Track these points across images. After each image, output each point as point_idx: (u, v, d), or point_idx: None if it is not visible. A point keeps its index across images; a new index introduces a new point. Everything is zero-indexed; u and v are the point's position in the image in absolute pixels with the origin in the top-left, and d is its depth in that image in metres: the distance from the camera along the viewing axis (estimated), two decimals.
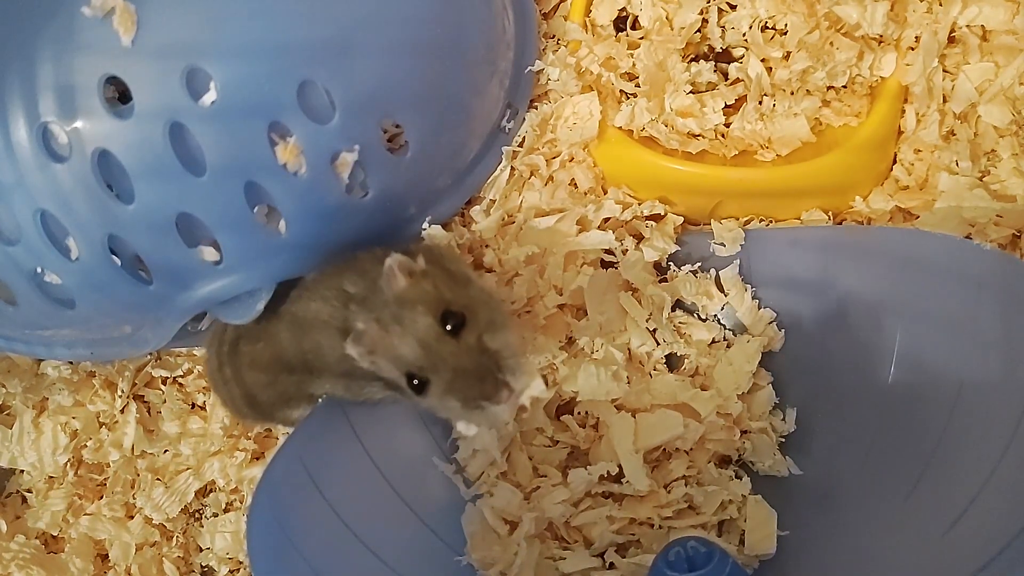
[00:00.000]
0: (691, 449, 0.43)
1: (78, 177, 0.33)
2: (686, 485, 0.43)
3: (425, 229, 0.41)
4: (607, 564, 0.42)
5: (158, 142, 0.33)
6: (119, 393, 0.46)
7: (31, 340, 0.42)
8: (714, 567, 0.35)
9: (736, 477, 0.43)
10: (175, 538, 0.49)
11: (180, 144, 0.34)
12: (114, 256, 0.36)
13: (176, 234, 0.35)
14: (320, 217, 0.37)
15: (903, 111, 0.45)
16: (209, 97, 0.34)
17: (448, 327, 0.31)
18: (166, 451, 0.48)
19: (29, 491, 0.49)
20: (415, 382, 0.32)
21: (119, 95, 0.36)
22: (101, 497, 0.48)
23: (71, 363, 0.47)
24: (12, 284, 0.36)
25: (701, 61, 0.48)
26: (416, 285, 0.32)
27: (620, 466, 0.43)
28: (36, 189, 0.34)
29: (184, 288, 0.37)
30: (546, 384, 0.45)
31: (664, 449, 0.43)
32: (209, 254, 0.37)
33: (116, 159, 0.33)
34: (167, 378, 0.47)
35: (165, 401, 0.47)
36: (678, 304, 0.46)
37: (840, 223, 0.46)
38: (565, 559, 0.42)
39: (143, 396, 0.47)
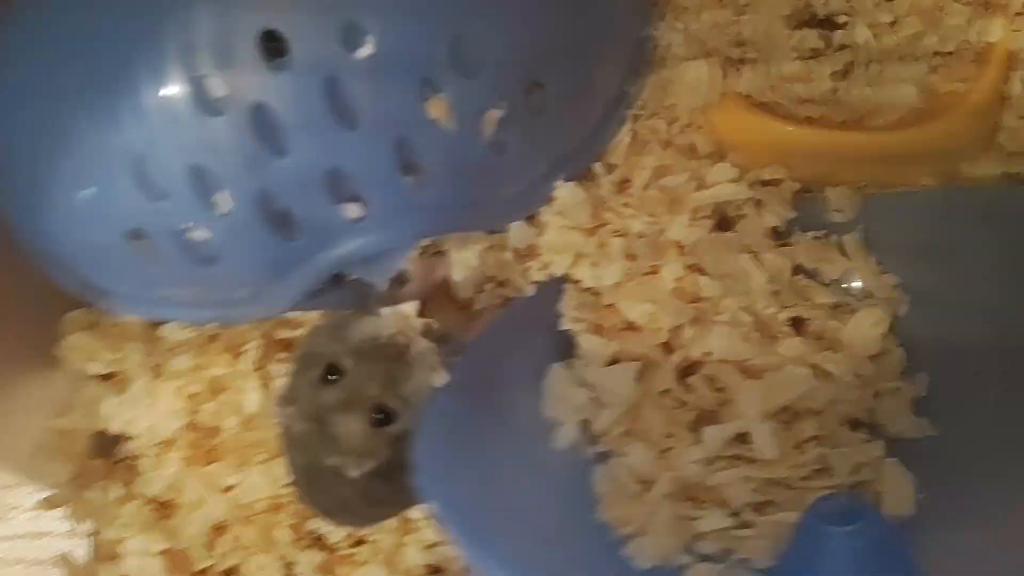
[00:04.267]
0: (821, 411, 0.43)
1: (234, 131, 0.33)
2: (817, 447, 0.42)
3: (556, 188, 0.41)
4: (742, 523, 0.42)
5: (314, 96, 0.33)
6: (242, 357, 0.46)
7: (157, 302, 0.42)
8: (868, 521, 0.35)
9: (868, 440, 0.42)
10: (287, 506, 0.48)
11: (335, 98, 0.33)
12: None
13: (325, 189, 0.35)
14: (461, 175, 0.37)
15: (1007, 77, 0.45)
16: (365, 51, 0.33)
17: None
18: (273, 427, 0.47)
19: (139, 457, 0.49)
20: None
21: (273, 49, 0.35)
22: (213, 462, 0.47)
23: (192, 326, 0.46)
24: (156, 240, 0.36)
25: (805, 28, 0.47)
26: None
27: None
28: (191, 143, 0.33)
29: (325, 245, 0.37)
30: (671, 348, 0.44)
31: (795, 411, 0.43)
32: (353, 210, 0.36)
33: (272, 112, 0.33)
34: (287, 347, 0.47)
35: (282, 376, 0.46)
36: (797, 270, 0.46)
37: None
38: (700, 518, 0.41)
39: (263, 366, 0.47)
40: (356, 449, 0.38)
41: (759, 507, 0.43)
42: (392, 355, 0.38)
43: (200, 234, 0.37)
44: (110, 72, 0.33)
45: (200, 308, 0.42)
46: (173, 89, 0.33)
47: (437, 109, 0.35)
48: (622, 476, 0.43)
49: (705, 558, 0.42)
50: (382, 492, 0.42)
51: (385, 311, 0.39)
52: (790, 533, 0.41)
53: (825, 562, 0.36)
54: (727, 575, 0.41)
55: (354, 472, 0.37)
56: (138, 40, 0.33)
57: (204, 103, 0.33)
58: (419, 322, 0.39)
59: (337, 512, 0.44)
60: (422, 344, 0.39)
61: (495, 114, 0.36)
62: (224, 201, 0.35)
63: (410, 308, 0.39)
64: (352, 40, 0.33)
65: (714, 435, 0.42)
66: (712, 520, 0.42)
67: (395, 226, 0.37)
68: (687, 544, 0.42)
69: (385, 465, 0.38)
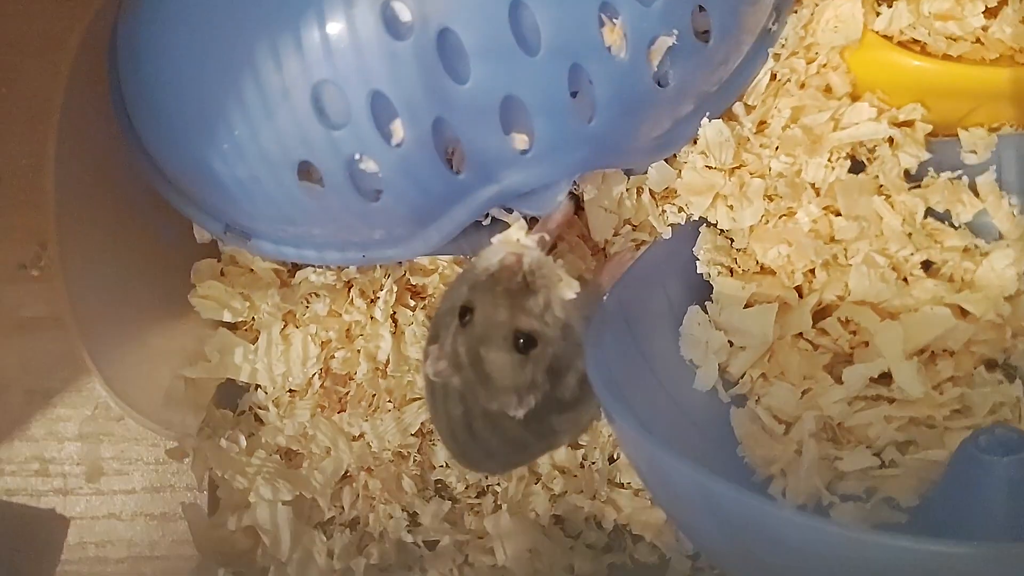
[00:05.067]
0: (956, 352, 0.43)
1: (418, 56, 0.33)
2: (955, 387, 0.42)
3: (702, 126, 0.41)
4: (885, 463, 0.42)
5: (500, 20, 0.33)
6: (375, 303, 0.46)
7: (300, 243, 0.42)
8: None
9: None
10: (412, 456, 0.48)
11: (518, 23, 0.33)
12: None
13: (498, 118, 0.35)
14: (627, 106, 0.37)
15: None
16: None
17: None
18: (403, 374, 0.48)
19: (263, 408, 0.49)
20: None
21: None
22: (343, 411, 0.47)
23: (331, 270, 0.46)
24: (326, 171, 0.36)
25: None
26: None
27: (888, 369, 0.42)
28: (374, 70, 0.33)
29: (489, 179, 0.37)
30: (800, 293, 0.44)
31: (931, 352, 0.43)
32: (520, 142, 0.36)
33: (457, 37, 0.33)
34: (417, 298, 0.47)
35: (412, 324, 0.46)
36: (928, 212, 0.46)
37: None
38: (843, 458, 0.41)
39: (393, 313, 0.47)
40: (512, 383, 0.37)
41: (902, 446, 0.43)
42: (510, 278, 0.37)
43: (369, 166, 0.36)
44: (297, 2, 0.33)
45: (343, 250, 0.42)
46: (361, 14, 0.33)
47: (612, 35, 0.35)
48: (763, 417, 0.43)
49: (848, 498, 0.42)
50: (530, 437, 0.42)
51: (495, 238, 0.38)
52: (936, 471, 0.41)
53: (982, 492, 0.37)
54: (873, 514, 0.41)
55: (518, 411, 0.36)
56: None
57: (391, 27, 0.33)
58: (528, 238, 0.38)
59: (484, 461, 0.44)
60: (533, 256, 0.37)
61: (664, 42, 0.36)
62: (398, 131, 0.35)
63: (516, 229, 0.38)
64: None
65: (856, 374, 0.42)
66: (856, 460, 0.42)
67: (558, 159, 0.37)
68: (830, 484, 0.43)
69: (542, 402, 0.38)
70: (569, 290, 0.37)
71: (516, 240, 0.37)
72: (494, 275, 0.36)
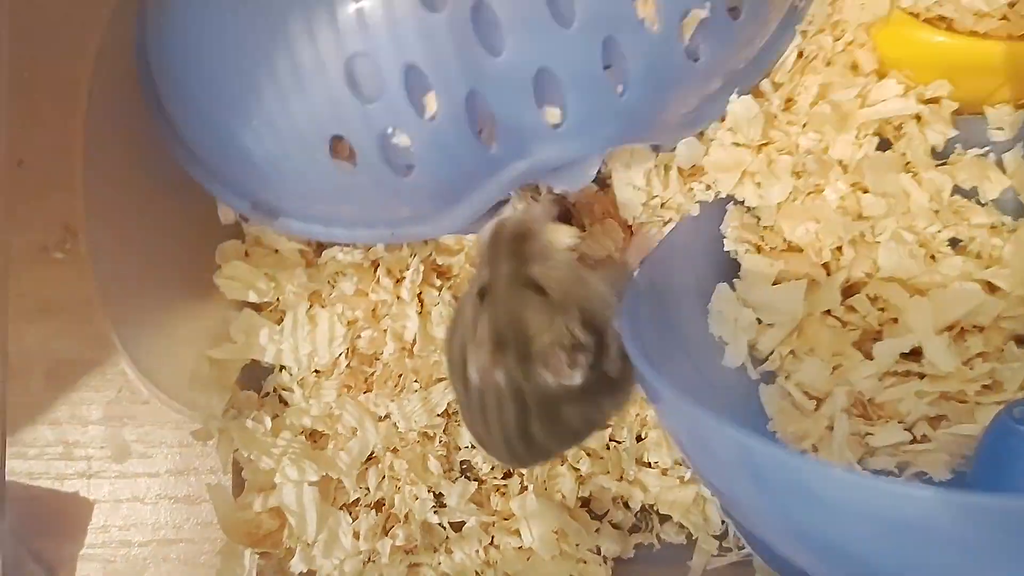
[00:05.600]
0: (985, 328, 0.43)
1: (453, 28, 0.33)
2: (984, 362, 0.42)
3: (731, 102, 0.41)
4: (916, 438, 0.42)
5: None
6: (402, 283, 0.46)
7: (328, 220, 0.42)
8: None
9: None
10: (438, 437, 0.48)
11: None
12: None
13: (531, 91, 0.35)
14: (659, 80, 0.37)
15: None
16: None
17: None
18: (429, 354, 0.47)
19: (287, 389, 0.49)
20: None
21: None
22: (368, 391, 0.47)
23: (358, 248, 0.46)
24: (359, 145, 0.36)
25: None
26: None
27: (919, 345, 0.42)
28: (408, 42, 0.33)
29: (520, 154, 0.37)
30: (827, 270, 0.44)
31: (960, 328, 0.43)
32: (552, 115, 0.36)
33: (491, 9, 0.33)
34: (443, 278, 0.47)
35: (438, 304, 0.46)
36: (954, 189, 0.46)
37: None
38: (874, 434, 0.41)
39: (420, 293, 0.47)
40: (551, 336, 0.35)
41: (933, 421, 0.43)
42: (501, 239, 0.37)
43: (401, 141, 0.36)
44: None
45: (372, 227, 0.42)
46: None
47: (645, 7, 0.35)
48: (793, 393, 0.43)
49: (880, 473, 0.42)
50: (584, 427, 0.40)
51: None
52: (968, 446, 0.41)
53: (1019, 463, 0.37)
54: None
55: (574, 375, 0.35)
56: None
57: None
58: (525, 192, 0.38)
59: (536, 460, 0.43)
60: (513, 213, 0.38)
61: (697, 15, 0.36)
62: (431, 104, 0.35)
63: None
64: None
65: (887, 350, 0.42)
66: (888, 435, 0.42)
67: (590, 133, 0.37)
68: (861, 460, 0.43)
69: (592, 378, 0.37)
70: (565, 237, 0.37)
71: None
72: (489, 244, 0.37)
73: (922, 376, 0.43)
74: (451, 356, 0.36)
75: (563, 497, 0.47)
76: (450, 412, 0.49)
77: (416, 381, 0.48)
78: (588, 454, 0.48)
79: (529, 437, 0.36)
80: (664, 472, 0.47)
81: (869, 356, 0.43)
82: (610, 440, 0.47)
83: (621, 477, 0.47)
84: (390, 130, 0.36)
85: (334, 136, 0.36)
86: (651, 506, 0.47)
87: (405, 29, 0.33)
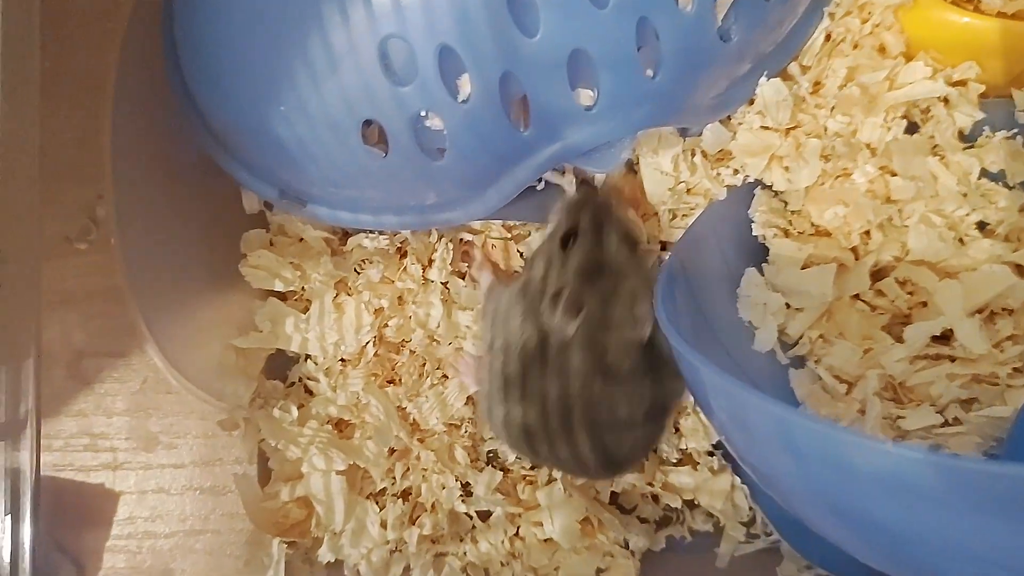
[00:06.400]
0: (1015, 310, 0.43)
1: (488, 9, 0.33)
2: (1015, 345, 0.42)
3: (760, 85, 0.41)
4: (948, 420, 0.42)
5: None
6: (428, 270, 0.45)
7: (356, 206, 0.42)
8: None
9: None
10: (464, 426, 0.48)
11: None
12: None
13: (565, 72, 0.35)
14: (691, 61, 0.37)
15: None
16: None
17: None
18: (451, 343, 0.47)
19: (313, 379, 0.48)
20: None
21: None
22: (394, 380, 0.47)
23: (384, 235, 0.46)
24: (391, 129, 0.36)
25: None
26: None
27: (949, 328, 0.42)
28: (443, 23, 0.33)
29: (552, 137, 0.37)
30: (857, 256, 0.44)
31: (990, 310, 0.43)
32: (585, 97, 0.36)
33: None
34: (469, 259, 0.47)
35: (466, 287, 0.46)
36: (982, 172, 0.46)
37: None
38: (905, 417, 0.41)
39: (445, 282, 0.46)
40: (632, 270, 0.38)
41: (965, 404, 0.43)
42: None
43: (434, 123, 0.36)
44: None
45: (400, 213, 0.42)
46: None
47: None
48: (824, 377, 0.43)
49: None
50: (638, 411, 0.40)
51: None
52: (1000, 428, 0.41)
53: None
54: None
55: (644, 327, 0.37)
56: None
57: None
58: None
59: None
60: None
61: None
62: (465, 87, 0.35)
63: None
64: None
65: (918, 333, 0.42)
66: (920, 418, 0.42)
67: (622, 115, 0.37)
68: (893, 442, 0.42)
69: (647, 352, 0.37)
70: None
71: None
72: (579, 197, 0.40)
73: (953, 359, 0.42)
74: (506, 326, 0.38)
75: (597, 493, 0.47)
76: (475, 402, 0.48)
77: (438, 368, 0.47)
78: None
79: (590, 404, 0.37)
80: (695, 467, 0.46)
81: (898, 340, 0.43)
82: None
83: (651, 483, 0.47)
84: (423, 113, 0.35)
85: (366, 120, 0.36)
86: (687, 501, 0.47)
87: (440, 10, 0.33)
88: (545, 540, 0.47)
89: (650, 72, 0.36)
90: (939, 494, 0.26)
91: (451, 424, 0.48)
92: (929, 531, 0.28)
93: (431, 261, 0.45)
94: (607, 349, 0.36)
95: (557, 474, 0.47)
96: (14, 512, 0.38)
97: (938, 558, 0.29)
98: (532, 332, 0.37)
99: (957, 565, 0.28)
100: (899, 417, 0.42)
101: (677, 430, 0.48)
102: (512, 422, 0.38)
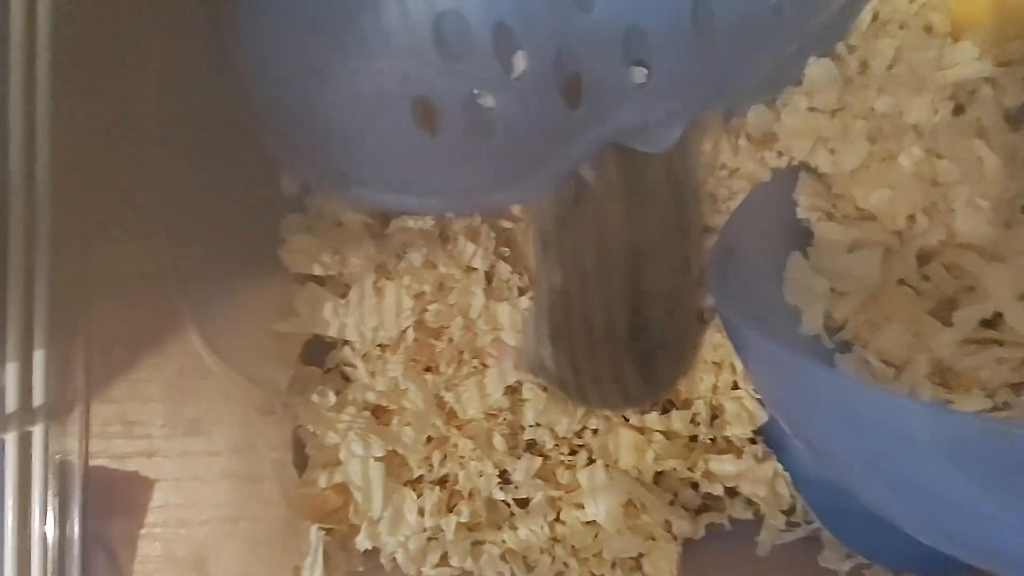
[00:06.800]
0: None
1: None
2: None
3: (809, 65, 0.40)
4: (998, 405, 0.41)
5: None
6: (471, 256, 0.45)
7: (401, 188, 0.41)
8: None
9: None
10: (502, 415, 0.48)
11: None
12: None
13: (620, 49, 0.34)
14: (743, 38, 0.36)
15: None
16: None
17: None
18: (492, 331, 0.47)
19: (350, 365, 0.48)
20: None
21: None
22: (434, 366, 0.47)
23: (423, 222, 0.46)
24: (444, 106, 0.35)
25: None
26: None
27: (998, 312, 0.42)
28: None
29: (605, 116, 0.37)
30: (902, 239, 0.44)
31: None
32: (638, 75, 0.36)
33: None
34: (510, 243, 0.46)
35: (509, 280, 0.46)
36: None
37: None
38: (955, 401, 0.41)
39: (487, 273, 0.46)
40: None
41: (1015, 388, 0.42)
42: None
43: (486, 102, 0.36)
44: None
45: (445, 196, 0.41)
46: None
47: None
48: (872, 361, 0.42)
49: None
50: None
51: None
52: None
53: None
54: None
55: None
56: None
57: None
58: None
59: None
60: None
61: None
62: (519, 64, 0.35)
63: None
64: None
65: (967, 317, 0.42)
66: (970, 402, 0.41)
67: (674, 93, 0.37)
68: None
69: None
70: None
71: None
72: None
73: (1001, 343, 0.42)
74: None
75: (639, 473, 0.46)
76: (514, 388, 0.48)
77: (475, 359, 0.47)
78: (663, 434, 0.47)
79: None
80: (740, 455, 0.46)
81: (945, 324, 0.42)
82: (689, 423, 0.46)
83: (692, 468, 0.46)
84: (476, 91, 0.35)
85: (419, 96, 0.35)
86: (728, 488, 0.47)
87: None
88: (586, 523, 0.47)
89: (704, 49, 0.36)
90: (993, 461, 0.26)
91: (489, 413, 0.47)
92: (988, 505, 0.28)
93: (475, 247, 0.45)
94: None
95: (597, 457, 0.47)
96: (62, 500, 0.38)
97: (997, 533, 0.29)
98: None
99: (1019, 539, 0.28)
100: (948, 401, 0.41)
101: (717, 417, 0.47)
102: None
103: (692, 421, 0.46)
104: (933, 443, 0.27)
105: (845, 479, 0.32)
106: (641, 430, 0.46)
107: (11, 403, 0.36)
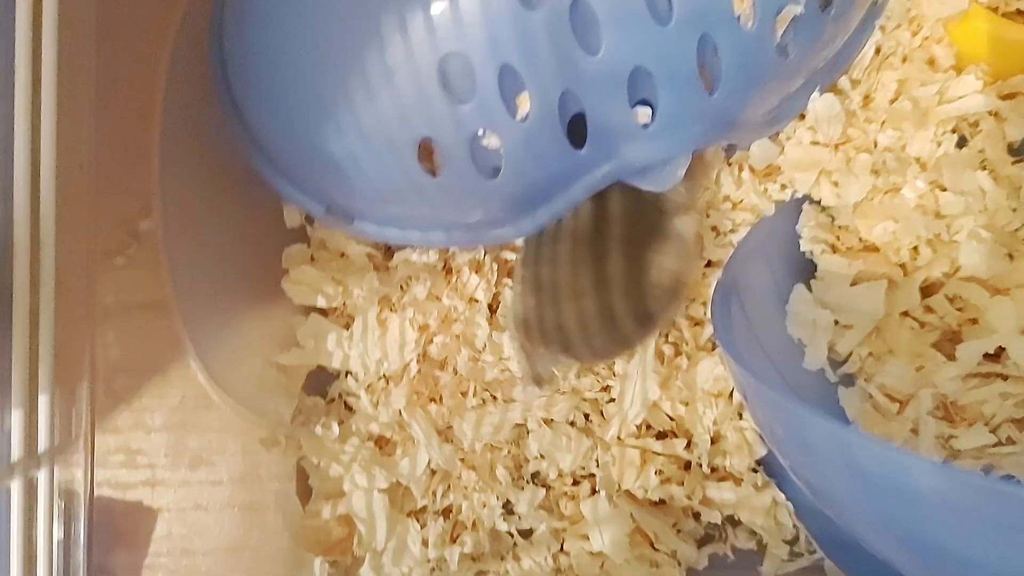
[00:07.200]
0: None
1: (550, 26, 0.33)
2: None
3: (813, 100, 0.40)
4: (1002, 440, 0.41)
5: None
6: (475, 287, 0.45)
7: (404, 223, 0.41)
8: None
9: None
10: (507, 449, 0.48)
11: None
12: None
13: (625, 90, 0.34)
14: (749, 77, 0.36)
15: None
16: None
17: None
18: (497, 362, 0.47)
19: (353, 396, 0.48)
20: None
21: None
22: (437, 398, 0.47)
23: (427, 255, 0.46)
24: (447, 147, 0.35)
25: None
26: None
27: (1001, 346, 0.42)
28: (504, 41, 0.33)
29: (608, 155, 0.37)
30: (906, 272, 0.44)
31: None
32: (642, 115, 0.35)
33: (589, 6, 0.32)
34: (511, 274, 0.46)
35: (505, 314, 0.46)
36: None
37: None
38: (958, 436, 0.41)
39: (496, 293, 0.46)
40: None
41: (1019, 424, 0.42)
42: None
43: (491, 142, 0.36)
44: None
45: (449, 231, 0.41)
46: None
47: (741, 4, 0.34)
48: (875, 396, 0.42)
49: None
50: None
51: None
52: None
53: None
54: None
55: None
56: None
57: None
58: None
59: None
60: None
61: (792, 11, 0.35)
62: (524, 105, 0.35)
63: None
64: None
65: (971, 351, 0.42)
66: (973, 438, 0.41)
67: (678, 132, 0.37)
68: (945, 463, 0.42)
69: None
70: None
71: None
72: None
73: (1005, 377, 0.42)
74: None
75: (646, 492, 0.46)
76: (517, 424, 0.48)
77: (486, 389, 0.47)
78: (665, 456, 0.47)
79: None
80: (739, 482, 0.46)
81: (948, 357, 0.42)
82: (685, 448, 0.46)
83: (690, 496, 0.46)
84: (480, 131, 0.35)
85: (422, 137, 0.35)
86: (728, 516, 0.47)
87: (501, 27, 0.32)
88: (591, 553, 0.47)
89: (709, 89, 0.36)
90: (1000, 520, 0.26)
91: (492, 446, 0.47)
92: (990, 556, 0.28)
93: (478, 279, 0.45)
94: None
95: (600, 488, 0.47)
96: (67, 531, 0.38)
97: None
98: None
99: None
100: (951, 436, 0.41)
101: (715, 442, 0.47)
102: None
103: (687, 448, 0.46)
104: (939, 502, 0.26)
105: (844, 522, 0.32)
106: (643, 451, 0.46)
107: (16, 451, 0.36)
